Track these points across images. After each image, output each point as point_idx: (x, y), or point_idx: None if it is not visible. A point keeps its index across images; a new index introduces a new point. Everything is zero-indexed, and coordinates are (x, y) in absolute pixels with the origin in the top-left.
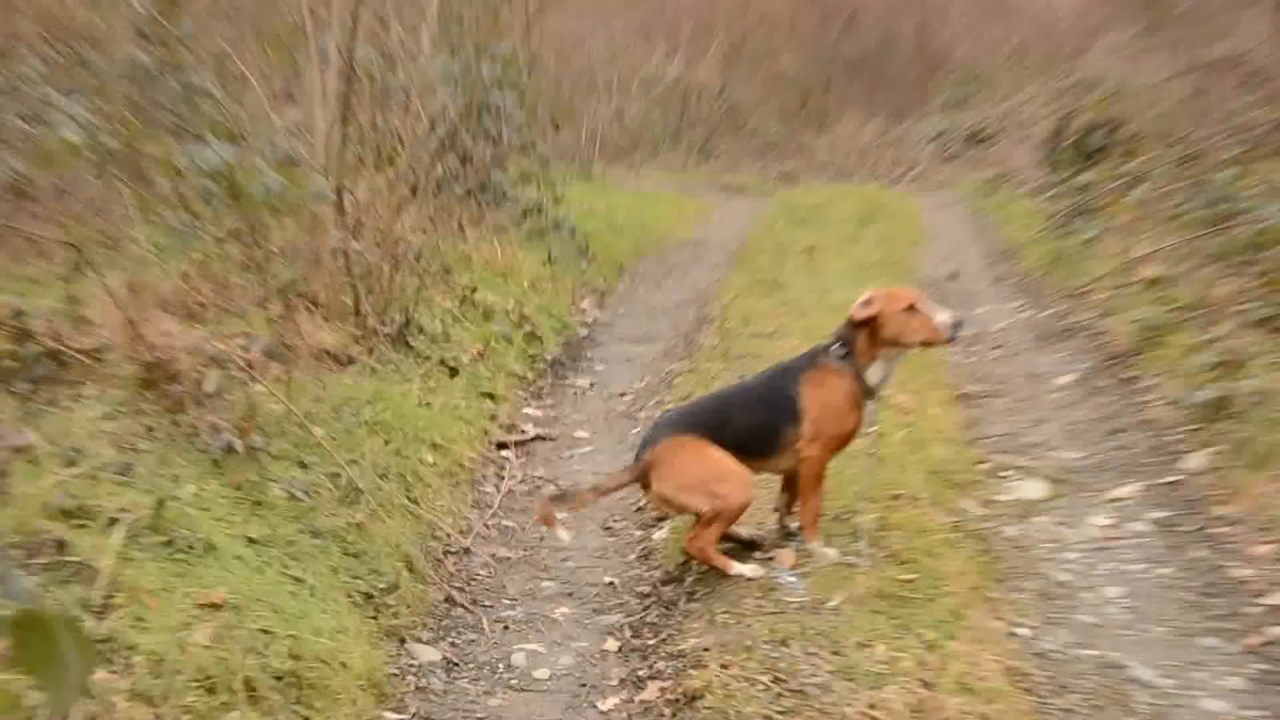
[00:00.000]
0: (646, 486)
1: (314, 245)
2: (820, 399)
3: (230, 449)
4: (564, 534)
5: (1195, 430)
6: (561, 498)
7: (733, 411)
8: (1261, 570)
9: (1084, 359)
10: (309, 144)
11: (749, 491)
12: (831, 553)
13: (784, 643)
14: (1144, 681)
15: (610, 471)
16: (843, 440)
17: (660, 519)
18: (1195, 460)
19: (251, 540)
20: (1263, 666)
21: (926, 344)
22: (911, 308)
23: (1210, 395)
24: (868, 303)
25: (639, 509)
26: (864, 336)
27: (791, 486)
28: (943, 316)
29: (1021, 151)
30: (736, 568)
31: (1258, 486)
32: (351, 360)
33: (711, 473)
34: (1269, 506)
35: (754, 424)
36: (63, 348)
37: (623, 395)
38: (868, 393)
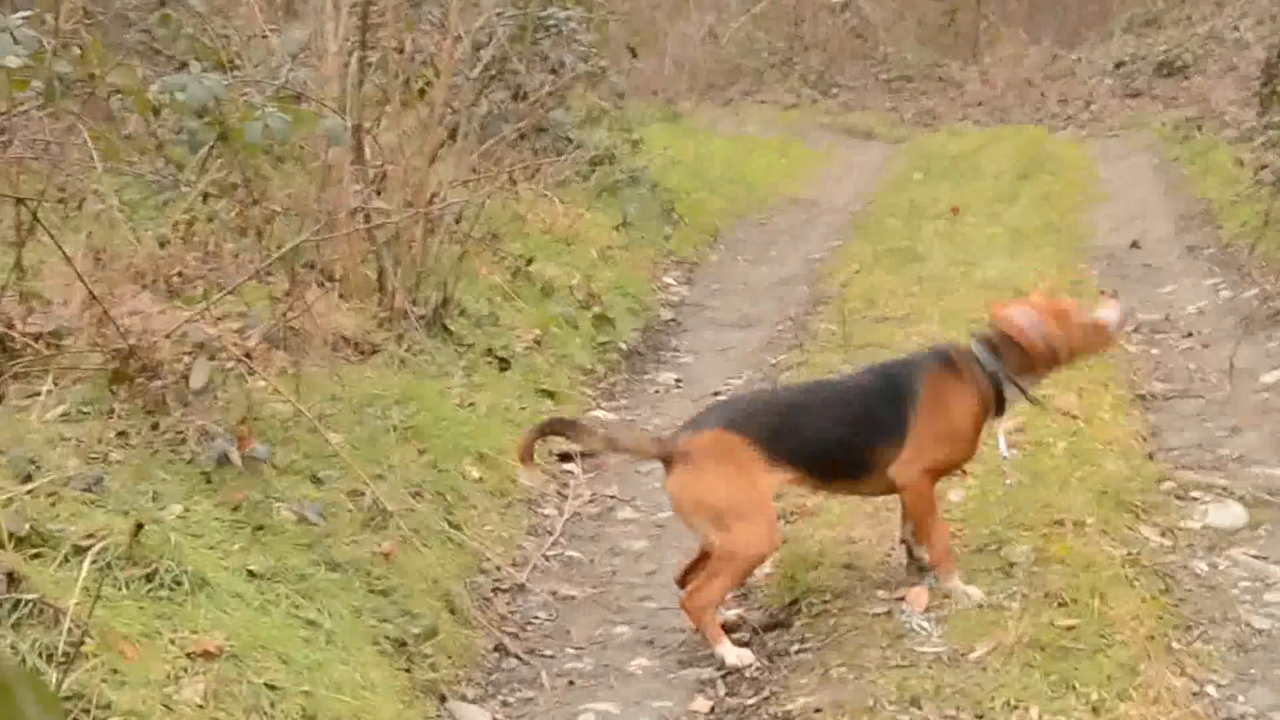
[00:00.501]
0: (668, 471)
1: (327, 203)
2: (939, 413)
3: (225, 460)
4: (531, 478)
5: None
6: (560, 427)
7: (809, 416)
8: None
9: None
10: (318, 72)
11: (771, 543)
12: (975, 593)
13: (915, 703)
14: None
15: (638, 428)
16: (953, 467)
17: None
18: None
19: (253, 574)
20: None
21: (1096, 350)
22: (1085, 324)
23: None
24: (1029, 324)
25: None
26: (1019, 351)
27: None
28: (1109, 315)
29: (1226, 86)
30: (730, 651)
31: None
32: (375, 349)
33: (736, 503)
34: None
35: (834, 438)
36: (10, 332)
37: (716, 395)
38: (998, 409)
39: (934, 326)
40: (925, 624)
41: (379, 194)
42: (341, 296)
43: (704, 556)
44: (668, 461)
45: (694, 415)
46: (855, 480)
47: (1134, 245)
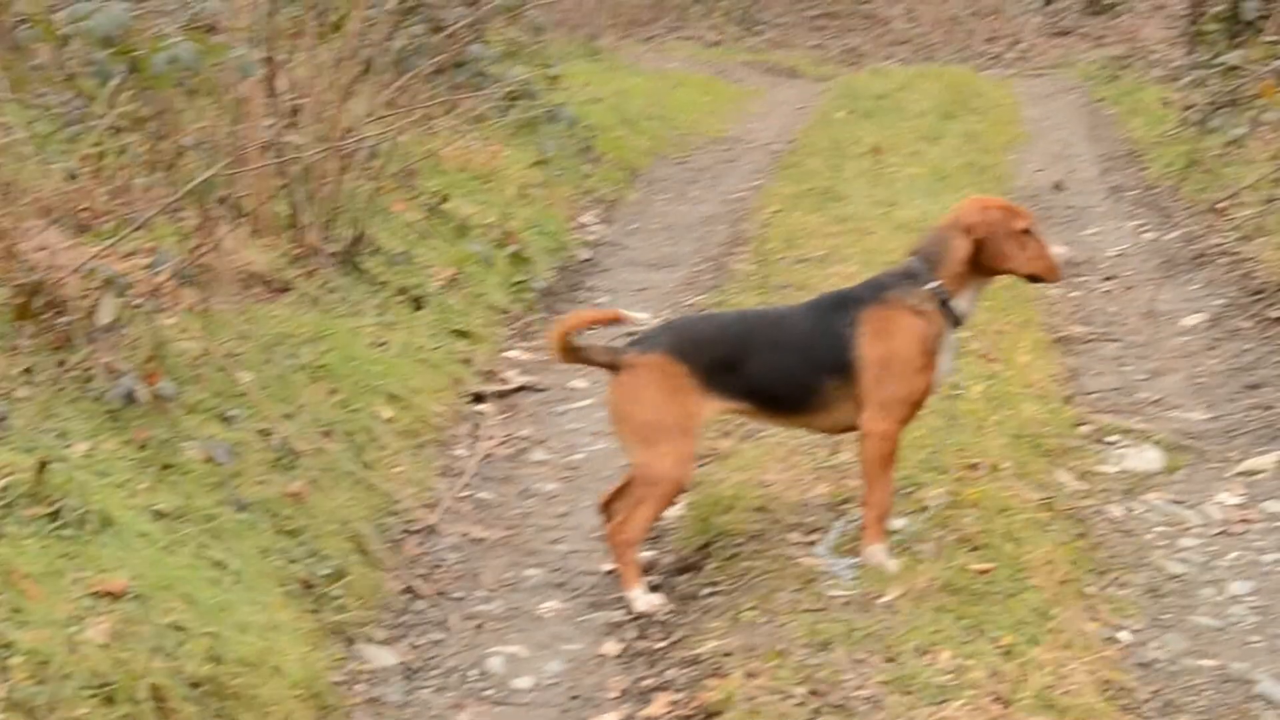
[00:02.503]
0: (611, 380)
1: (238, 137)
2: (887, 348)
3: (131, 398)
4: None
5: None
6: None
7: (755, 345)
8: None
9: (1220, 294)
10: (230, 3)
11: (682, 470)
12: (892, 565)
13: (826, 647)
14: (1273, 700)
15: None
16: (916, 404)
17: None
18: None
19: (160, 513)
20: None
21: (1035, 279)
22: (1027, 231)
23: None
24: (976, 213)
25: None
26: (961, 255)
27: None
28: (1060, 248)
29: (1155, 24)
30: (641, 597)
31: None
32: (287, 287)
33: (655, 425)
34: None
35: (780, 369)
36: None
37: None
38: (953, 324)
39: (853, 267)
40: (844, 566)
41: (292, 128)
42: (253, 233)
43: (627, 485)
44: (613, 370)
45: (646, 331)
46: (803, 414)
47: (1057, 186)
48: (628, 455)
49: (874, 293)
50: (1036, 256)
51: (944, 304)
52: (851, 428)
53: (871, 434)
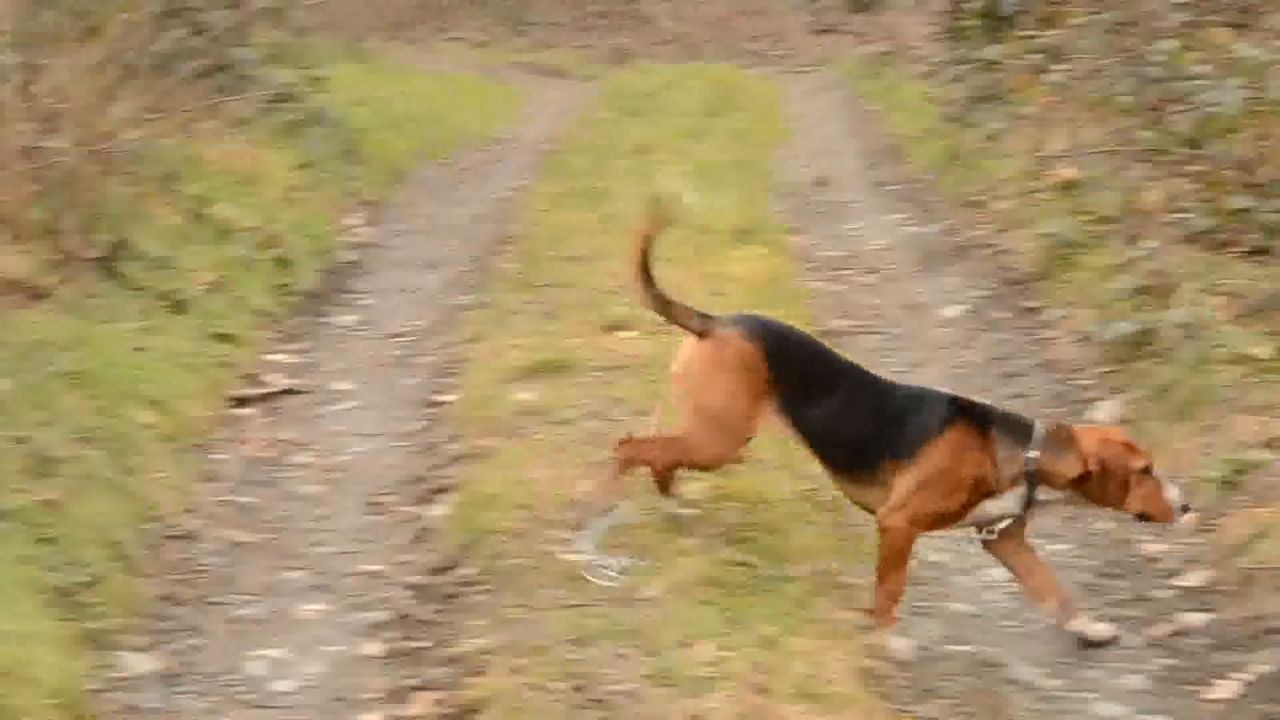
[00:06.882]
0: (696, 343)
1: None
2: (944, 463)
3: None
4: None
5: (1109, 372)
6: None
7: (841, 391)
8: (1176, 545)
9: (979, 285)
10: None
11: (719, 461)
12: (907, 647)
13: (587, 642)
14: (1025, 682)
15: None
16: (939, 521)
17: (438, 492)
18: (1106, 409)
19: None
20: (1169, 662)
21: (1145, 518)
22: (1147, 470)
23: (1129, 329)
24: (1096, 445)
25: (414, 479)
26: (1068, 474)
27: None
28: (1173, 493)
29: (917, 21)
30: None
31: (1178, 441)
32: (45, 293)
33: (717, 411)
34: (1191, 467)
35: (855, 427)
36: None
37: (398, 336)
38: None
39: (619, 264)
40: (608, 564)
41: (50, 133)
42: (10, 238)
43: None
44: (700, 335)
45: (746, 315)
46: (843, 475)
47: (820, 182)
48: (681, 417)
49: (979, 414)
50: (1150, 496)
51: (1029, 477)
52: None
53: (891, 529)
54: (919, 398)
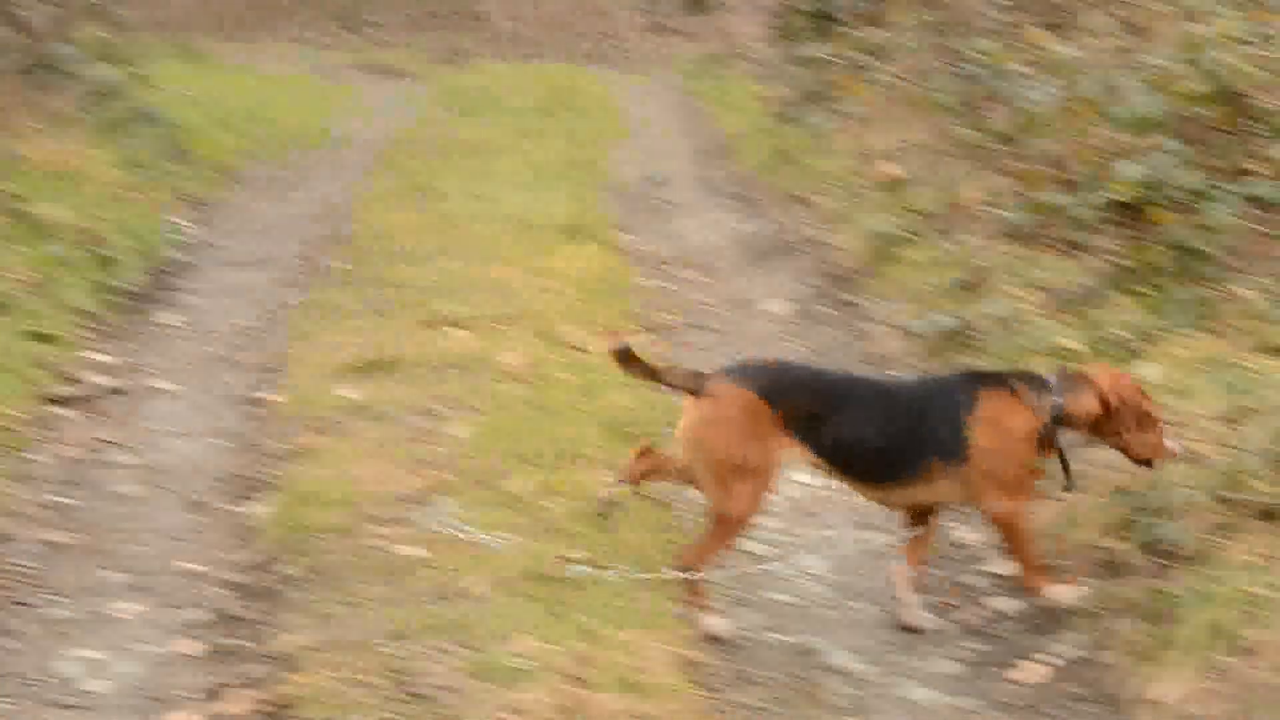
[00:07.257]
0: (694, 404)
1: None
2: (996, 436)
3: None
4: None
5: (928, 365)
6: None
7: (853, 408)
8: (983, 534)
9: (805, 281)
10: None
11: (756, 509)
12: (1069, 592)
13: (408, 637)
14: (841, 669)
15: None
16: (1028, 483)
17: (260, 490)
18: None
19: None
20: (980, 647)
21: (1141, 462)
22: (1152, 417)
23: (947, 322)
24: (1109, 381)
25: (236, 477)
26: (1089, 413)
27: (923, 520)
28: (1172, 442)
29: (750, 21)
30: (713, 623)
31: None
32: None
33: (741, 462)
34: None
35: (881, 440)
36: None
37: (224, 335)
38: (1049, 445)
39: (452, 262)
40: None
41: None
42: None
43: (647, 451)
44: (695, 394)
45: (737, 363)
46: (895, 485)
47: (653, 180)
48: (702, 488)
49: (997, 379)
50: (1152, 444)
51: (1055, 422)
52: (928, 510)
53: (1000, 518)
54: (929, 385)
